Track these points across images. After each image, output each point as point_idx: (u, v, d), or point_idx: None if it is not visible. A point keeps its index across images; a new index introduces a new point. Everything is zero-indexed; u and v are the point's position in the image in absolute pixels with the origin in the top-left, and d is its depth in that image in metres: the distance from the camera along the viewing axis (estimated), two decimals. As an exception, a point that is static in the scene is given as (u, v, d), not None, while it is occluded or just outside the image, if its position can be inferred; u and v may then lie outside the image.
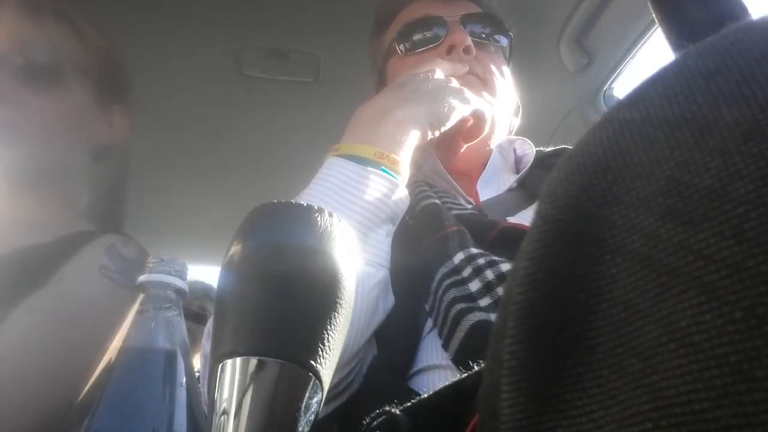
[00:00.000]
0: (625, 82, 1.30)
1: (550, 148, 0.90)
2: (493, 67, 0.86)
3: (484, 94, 0.81)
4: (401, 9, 0.94)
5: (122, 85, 0.95)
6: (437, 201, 0.70)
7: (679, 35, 0.42)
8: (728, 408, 0.15)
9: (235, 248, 0.37)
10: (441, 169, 0.81)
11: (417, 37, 0.89)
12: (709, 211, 0.16)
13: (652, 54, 1.21)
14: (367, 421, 0.37)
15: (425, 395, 0.37)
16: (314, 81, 1.35)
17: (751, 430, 0.14)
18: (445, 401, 0.36)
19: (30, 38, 0.80)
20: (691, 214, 0.17)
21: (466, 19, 0.87)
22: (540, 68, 1.34)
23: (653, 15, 0.45)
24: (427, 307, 0.61)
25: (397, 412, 0.36)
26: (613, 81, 1.29)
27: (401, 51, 0.89)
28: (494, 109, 0.82)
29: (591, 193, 0.20)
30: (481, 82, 0.84)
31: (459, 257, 0.61)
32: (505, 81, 0.89)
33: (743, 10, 0.39)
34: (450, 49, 0.84)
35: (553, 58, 1.31)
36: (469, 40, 0.84)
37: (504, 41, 0.91)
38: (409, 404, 0.37)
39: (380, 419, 0.36)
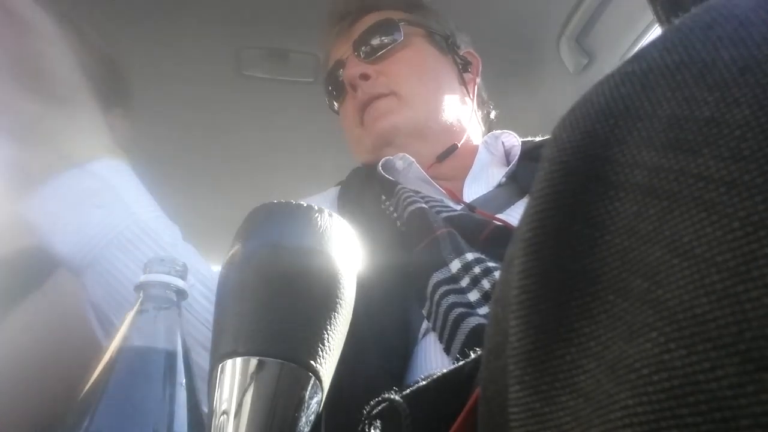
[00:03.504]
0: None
1: (538, 138, 0.90)
2: (403, 71, 0.87)
3: (397, 109, 0.83)
4: (329, 56, 0.97)
5: (122, 89, 0.96)
6: (424, 205, 0.70)
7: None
8: (727, 308, 0.16)
9: (235, 248, 0.37)
10: (425, 176, 0.81)
11: (333, 91, 0.95)
12: (708, 138, 0.18)
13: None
14: (367, 409, 0.37)
15: (424, 381, 0.37)
16: (314, 81, 1.35)
17: (747, 325, 0.15)
18: (444, 387, 0.36)
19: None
20: (691, 143, 0.18)
21: (357, 46, 0.88)
22: (540, 68, 1.34)
23: (653, 15, 0.45)
24: (424, 311, 0.61)
25: (397, 398, 0.36)
26: (613, 81, 1.29)
27: (337, 110, 0.96)
28: (415, 113, 0.83)
29: (594, 137, 0.21)
30: (391, 96, 0.85)
31: (456, 266, 0.61)
32: (426, 74, 0.88)
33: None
34: (353, 87, 0.86)
35: (553, 58, 1.31)
36: (358, 69, 0.86)
37: (400, 36, 0.88)
38: (408, 391, 0.37)
39: (380, 407, 0.36)
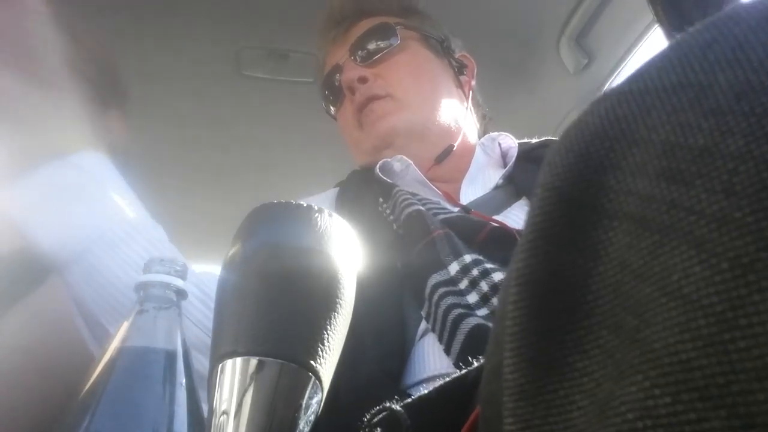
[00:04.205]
0: (625, 82, 1.30)
1: (534, 140, 0.90)
2: (398, 73, 0.87)
3: (395, 111, 0.84)
4: (325, 61, 0.97)
5: (119, 91, 0.96)
6: (421, 207, 0.70)
7: (678, 35, 0.42)
8: (714, 356, 0.15)
9: (235, 248, 0.37)
10: (423, 178, 0.81)
11: (330, 96, 0.95)
12: (701, 169, 0.17)
13: (652, 54, 1.21)
14: (367, 417, 0.37)
15: (426, 391, 0.37)
16: (314, 81, 1.35)
17: (734, 377, 0.14)
18: (446, 397, 0.36)
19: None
20: (684, 173, 0.17)
21: (354, 50, 0.89)
22: (540, 68, 1.34)
23: (653, 15, 0.45)
24: (422, 313, 0.61)
25: (398, 408, 0.36)
26: (613, 81, 1.29)
27: (334, 114, 0.96)
28: (412, 114, 0.84)
29: (588, 161, 0.20)
30: (387, 98, 0.85)
31: (454, 268, 0.61)
32: (421, 76, 0.89)
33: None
34: (350, 91, 0.87)
35: (553, 58, 1.31)
36: (356, 72, 0.86)
37: (396, 40, 0.89)
38: (409, 400, 0.37)
39: (380, 416, 0.36)
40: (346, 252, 0.37)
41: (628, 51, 1.20)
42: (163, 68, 1.30)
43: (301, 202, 0.37)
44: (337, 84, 0.92)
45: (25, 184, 0.53)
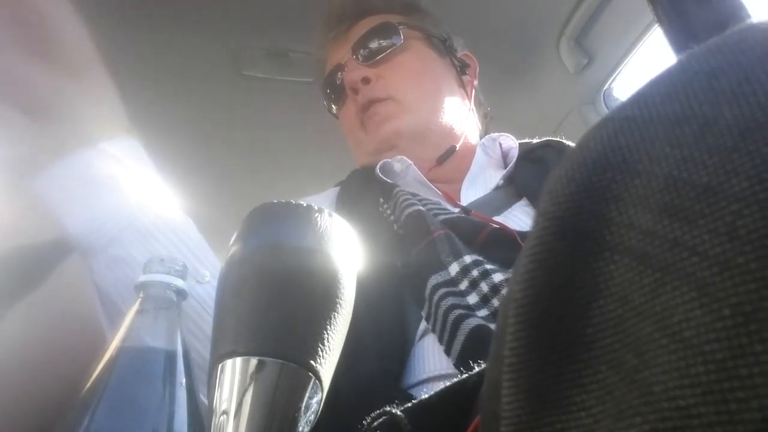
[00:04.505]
0: (625, 82, 1.30)
1: (535, 140, 0.90)
2: (401, 74, 0.87)
3: (397, 114, 0.84)
4: (326, 60, 0.97)
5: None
6: (421, 208, 0.70)
7: (678, 35, 0.42)
8: (712, 405, 0.15)
9: (235, 248, 0.37)
10: (423, 178, 0.81)
11: (332, 95, 0.95)
12: (704, 208, 0.17)
13: (652, 54, 1.21)
14: (367, 421, 0.37)
15: (426, 396, 0.37)
16: (314, 81, 1.35)
17: (733, 428, 0.14)
18: (446, 402, 0.36)
19: None
20: (687, 211, 0.17)
21: (356, 49, 0.88)
22: (540, 68, 1.34)
23: (653, 15, 0.45)
24: (423, 313, 0.61)
25: (398, 412, 0.36)
26: (613, 81, 1.29)
27: (336, 113, 0.96)
28: (415, 116, 0.84)
29: (590, 191, 0.20)
30: (389, 100, 0.85)
31: (454, 269, 0.61)
32: (422, 76, 0.88)
33: (742, 10, 0.39)
34: (353, 91, 0.86)
35: (553, 58, 1.31)
36: (359, 73, 0.85)
37: (399, 40, 0.88)
38: (409, 405, 0.36)
39: (380, 419, 0.36)
40: (346, 252, 0.37)
41: (628, 51, 1.20)
42: (163, 68, 1.30)
43: (301, 202, 0.37)
44: (338, 83, 0.91)
45: (57, 170, 0.53)
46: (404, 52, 0.88)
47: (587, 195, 0.20)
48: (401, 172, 0.83)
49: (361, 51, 0.88)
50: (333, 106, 0.97)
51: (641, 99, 0.20)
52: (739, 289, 0.15)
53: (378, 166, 0.83)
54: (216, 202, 1.65)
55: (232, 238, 0.38)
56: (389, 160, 0.83)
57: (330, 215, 0.37)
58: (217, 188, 1.66)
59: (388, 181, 0.81)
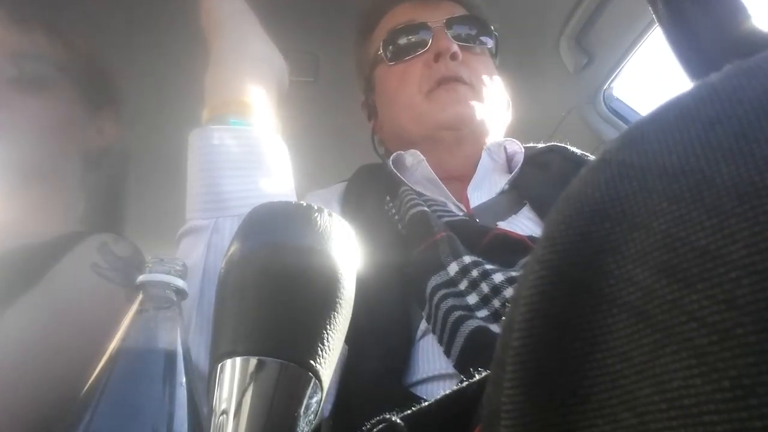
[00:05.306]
0: (624, 82, 1.30)
1: (540, 145, 0.90)
2: (480, 69, 0.87)
3: (473, 102, 0.83)
4: (384, 14, 0.95)
5: (110, 93, 0.97)
6: (426, 208, 0.70)
7: (678, 35, 0.42)
8: None
9: (235, 248, 0.37)
10: (433, 175, 0.81)
11: (402, 44, 0.90)
12: (703, 272, 0.16)
13: (652, 54, 1.21)
14: (367, 427, 0.36)
15: (426, 403, 0.37)
16: (314, 81, 1.35)
17: None
18: (445, 410, 0.36)
19: (20, 49, 0.83)
20: (686, 273, 0.17)
21: (451, 23, 0.88)
22: (540, 68, 1.34)
23: (653, 15, 0.45)
24: (423, 314, 0.61)
25: (397, 419, 0.35)
26: (612, 81, 1.29)
27: (387, 59, 0.91)
28: (482, 113, 0.83)
29: (588, 240, 0.19)
30: (469, 87, 0.84)
31: (453, 269, 0.61)
32: (493, 82, 0.89)
33: (743, 11, 0.39)
34: (437, 57, 0.85)
35: (553, 58, 1.31)
36: (455, 47, 0.84)
37: (490, 42, 0.91)
38: (409, 412, 0.36)
39: (379, 426, 0.36)
40: (346, 251, 0.37)
41: (628, 51, 1.20)
42: (163, 68, 1.30)
43: (301, 202, 0.37)
44: (414, 40, 0.88)
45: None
46: (485, 54, 0.91)
47: (585, 244, 0.20)
48: (411, 167, 0.83)
49: (455, 27, 0.88)
50: (389, 56, 0.91)
51: (638, 142, 0.20)
52: (738, 361, 0.15)
53: (391, 159, 0.84)
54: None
55: (232, 238, 0.38)
56: (402, 152, 0.83)
57: (330, 215, 0.37)
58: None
59: (398, 175, 0.81)
